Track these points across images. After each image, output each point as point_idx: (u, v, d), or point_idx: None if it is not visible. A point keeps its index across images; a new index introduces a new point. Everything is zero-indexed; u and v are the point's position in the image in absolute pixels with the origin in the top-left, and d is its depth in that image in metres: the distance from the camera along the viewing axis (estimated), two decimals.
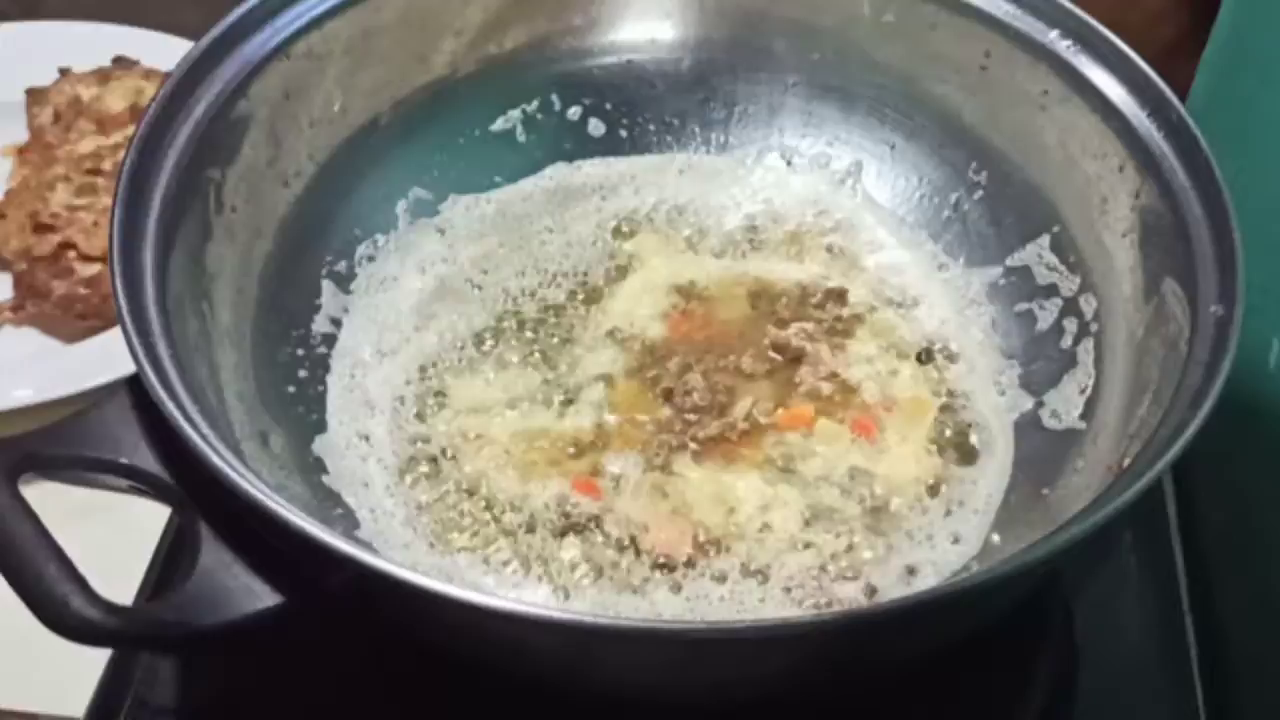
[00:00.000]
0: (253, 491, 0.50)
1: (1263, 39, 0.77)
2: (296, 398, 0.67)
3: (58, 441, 0.55)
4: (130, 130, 0.64)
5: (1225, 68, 0.82)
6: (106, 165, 0.96)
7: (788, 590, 0.62)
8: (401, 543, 0.63)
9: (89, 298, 0.88)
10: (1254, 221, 0.63)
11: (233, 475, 0.51)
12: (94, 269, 0.90)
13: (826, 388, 0.69)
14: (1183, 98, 0.82)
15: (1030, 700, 0.66)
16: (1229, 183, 0.62)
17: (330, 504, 0.63)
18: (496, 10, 0.75)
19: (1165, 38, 0.94)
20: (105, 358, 0.82)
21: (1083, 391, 0.68)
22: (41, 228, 0.92)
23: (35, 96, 1.01)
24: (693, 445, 0.66)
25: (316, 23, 0.68)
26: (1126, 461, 0.58)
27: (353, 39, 0.71)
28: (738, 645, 0.50)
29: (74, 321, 0.88)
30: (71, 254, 0.91)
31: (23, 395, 0.82)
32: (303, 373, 0.68)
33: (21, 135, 0.99)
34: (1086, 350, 0.69)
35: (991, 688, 0.65)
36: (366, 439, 0.67)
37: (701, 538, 0.63)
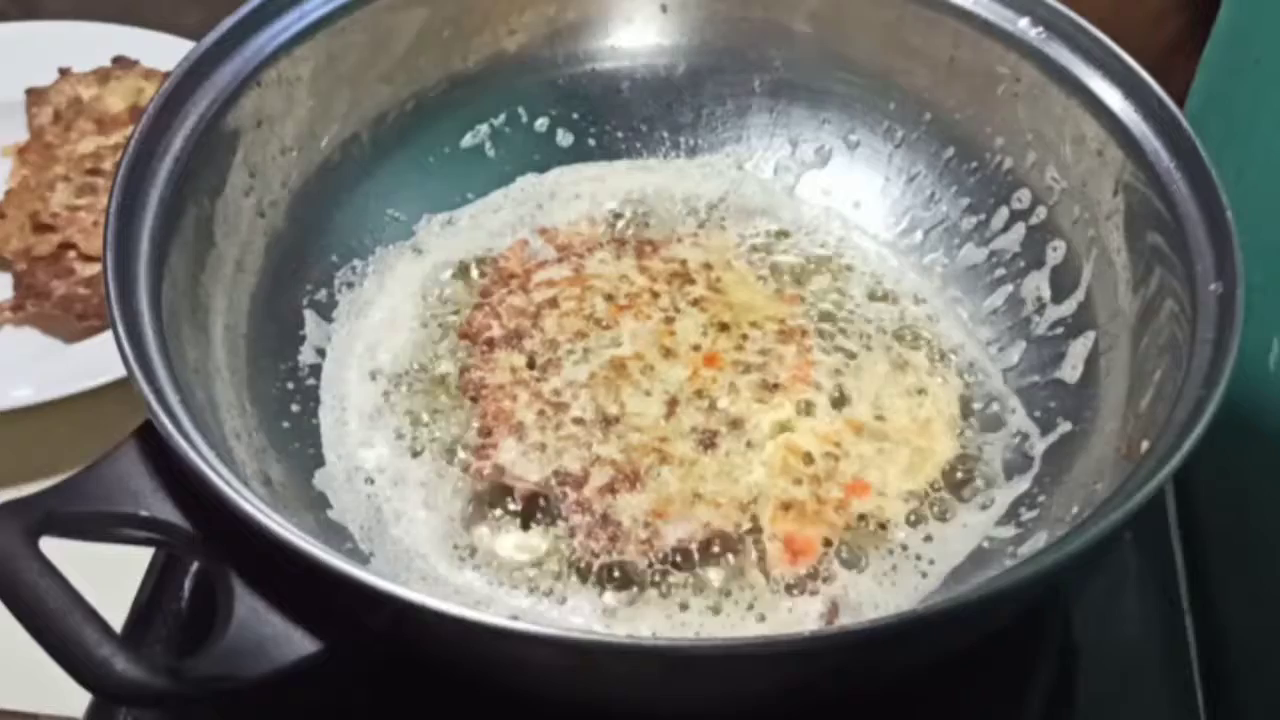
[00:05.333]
0: (293, 539, 0.50)
1: (1263, 39, 0.77)
2: (292, 433, 0.67)
3: (75, 498, 0.54)
4: (130, 130, 0.64)
5: (1225, 68, 0.82)
6: (106, 165, 0.96)
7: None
8: (419, 575, 0.63)
9: (89, 298, 0.88)
10: (1254, 222, 0.63)
11: (269, 523, 0.50)
12: (94, 269, 0.90)
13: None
14: (1183, 97, 0.82)
15: (1030, 701, 0.66)
16: (1229, 183, 0.62)
17: (338, 539, 0.63)
18: (458, 27, 0.76)
19: (1165, 38, 0.95)
20: (105, 358, 0.82)
21: (1076, 380, 0.68)
22: (41, 228, 0.92)
23: (35, 96, 1.01)
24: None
25: (285, 48, 0.68)
26: (1145, 445, 0.57)
27: (320, 63, 0.70)
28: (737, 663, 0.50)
29: (74, 321, 0.88)
30: (71, 254, 0.91)
31: (23, 395, 0.82)
32: (295, 406, 0.68)
33: (21, 135, 0.99)
34: (1078, 338, 0.69)
35: (991, 688, 0.65)
36: (363, 470, 0.67)
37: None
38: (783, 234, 0.77)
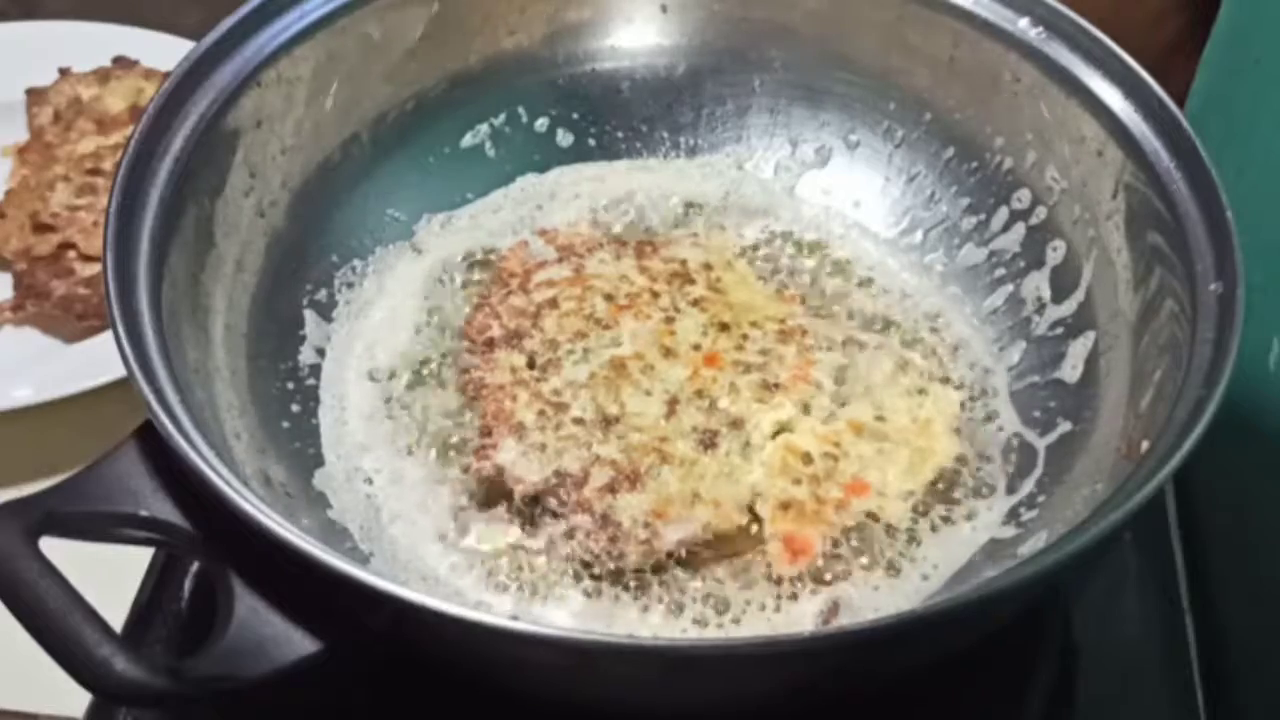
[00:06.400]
0: (293, 539, 0.50)
1: (1263, 39, 0.77)
2: (292, 433, 0.67)
3: (75, 498, 0.54)
4: (130, 130, 0.64)
5: (1225, 67, 0.82)
6: (106, 165, 0.96)
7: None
8: (418, 575, 0.63)
9: (89, 298, 0.88)
10: (1254, 222, 0.63)
11: (269, 523, 0.50)
12: (94, 269, 0.90)
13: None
14: (1183, 97, 0.82)
15: (1030, 701, 0.66)
16: (1229, 183, 0.62)
17: (338, 539, 0.63)
18: (458, 27, 0.76)
19: (1165, 38, 0.95)
20: (105, 358, 0.82)
21: (1076, 380, 0.68)
22: (41, 228, 0.92)
23: (35, 96, 1.01)
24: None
25: (285, 48, 0.68)
26: (1145, 444, 0.57)
27: (320, 63, 0.71)
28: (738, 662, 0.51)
29: (74, 321, 0.88)
30: (71, 254, 0.91)
31: (23, 395, 0.82)
32: (295, 406, 0.68)
33: (21, 135, 0.99)
34: (1078, 338, 0.69)
35: (991, 689, 0.65)
36: (362, 470, 0.67)
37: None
38: (783, 234, 0.77)
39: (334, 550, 0.50)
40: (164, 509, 0.54)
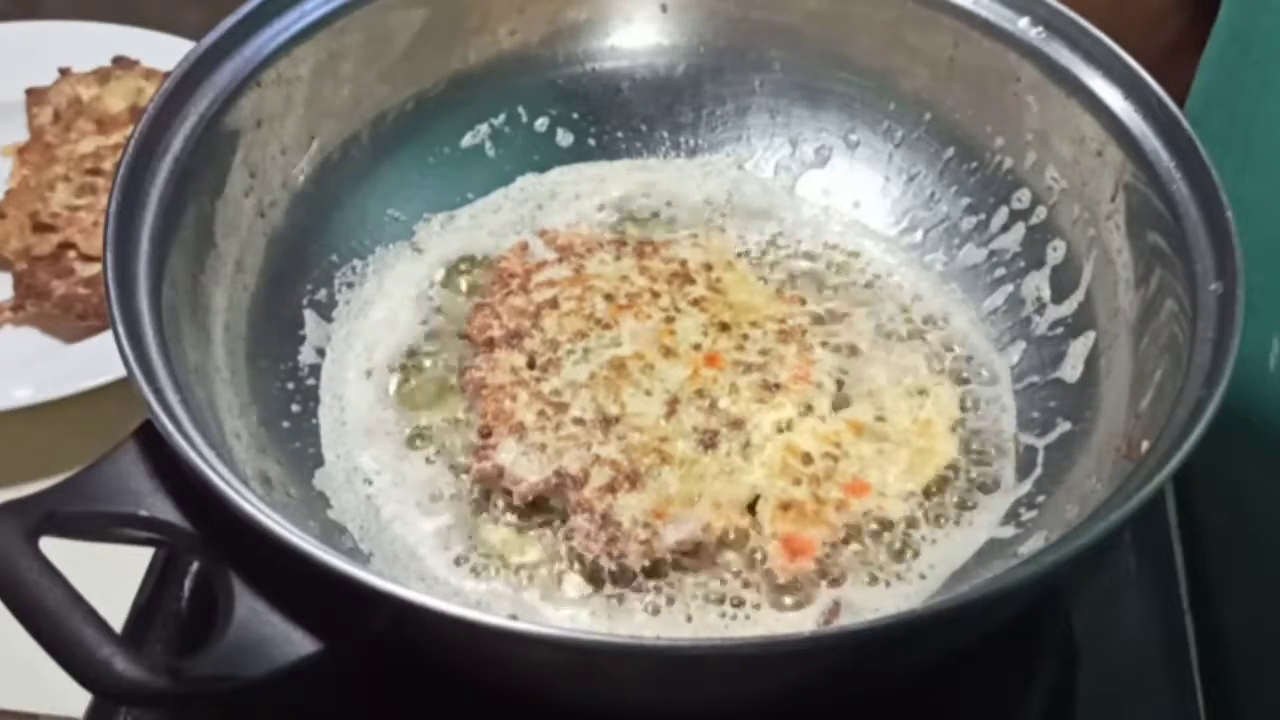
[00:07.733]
0: (293, 539, 0.50)
1: (1263, 39, 0.77)
2: (292, 433, 0.67)
3: (75, 498, 0.54)
4: (130, 130, 0.64)
5: (1225, 67, 0.82)
6: (106, 165, 0.96)
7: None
8: (417, 575, 0.63)
9: (89, 298, 0.88)
10: (1254, 221, 0.63)
11: (269, 523, 0.50)
12: (94, 269, 0.90)
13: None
14: (1183, 97, 0.82)
15: (1030, 701, 0.66)
16: (1229, 183, 0.62)
17: (338, 539, 0.63)
18: (458, 27, 0.76)
19: (1165, 37, 0.94)
20: (105, 358, 0.82)
21: (1076, 380, 0.68)
22: (41, 228, 0.92)
23: (35, 96, 1.01)
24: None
25: (285, 48, 0.68)
26: (1145, 444, 0.57)
27: (320, 63, 0.71)
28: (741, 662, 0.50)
29: (74, 321, 0.88)
30: (71, 254, 0.91)
31: (23, 395, 0.82)
32: (295, 406, 0.68)
33: (21, 135, 0.99)
34: (1079, 338, 0.69)
35: (991, 689, 0.65)
36: (362, 470, 0.67)
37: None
38: (783, 234, 0.77)
39: (334, 550, 0.50)
40: (164, 509, 0.54)
